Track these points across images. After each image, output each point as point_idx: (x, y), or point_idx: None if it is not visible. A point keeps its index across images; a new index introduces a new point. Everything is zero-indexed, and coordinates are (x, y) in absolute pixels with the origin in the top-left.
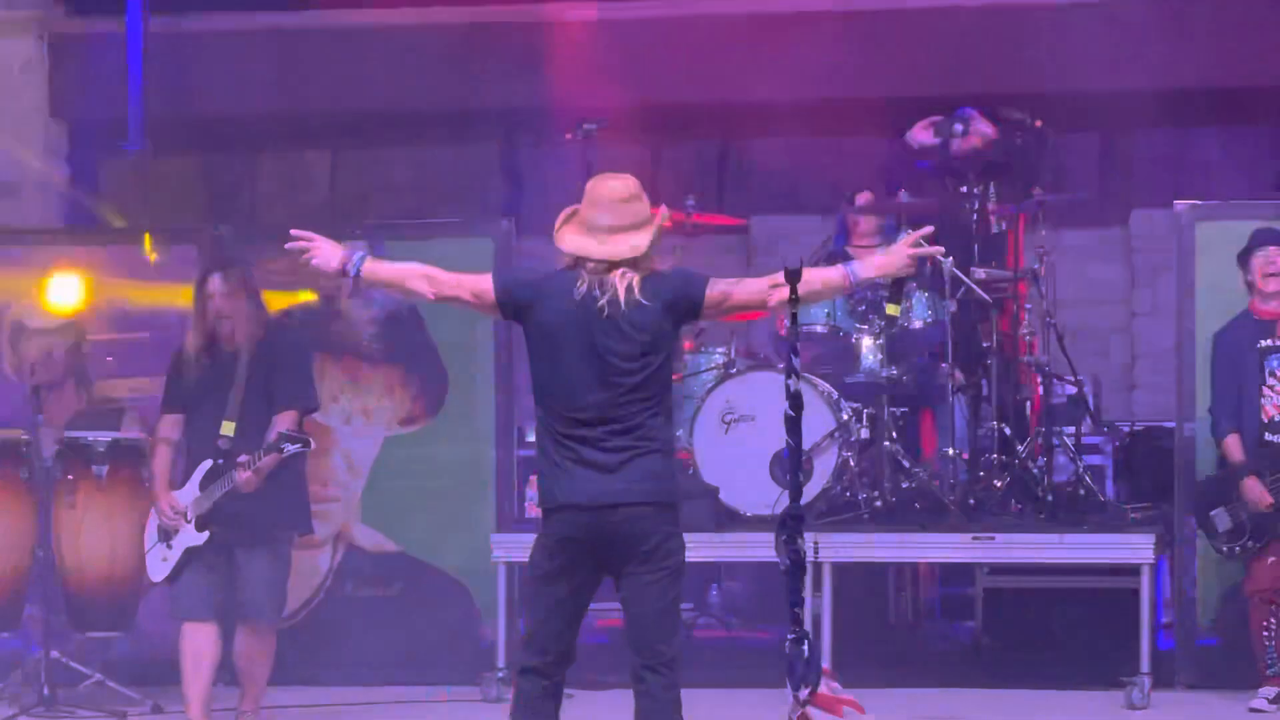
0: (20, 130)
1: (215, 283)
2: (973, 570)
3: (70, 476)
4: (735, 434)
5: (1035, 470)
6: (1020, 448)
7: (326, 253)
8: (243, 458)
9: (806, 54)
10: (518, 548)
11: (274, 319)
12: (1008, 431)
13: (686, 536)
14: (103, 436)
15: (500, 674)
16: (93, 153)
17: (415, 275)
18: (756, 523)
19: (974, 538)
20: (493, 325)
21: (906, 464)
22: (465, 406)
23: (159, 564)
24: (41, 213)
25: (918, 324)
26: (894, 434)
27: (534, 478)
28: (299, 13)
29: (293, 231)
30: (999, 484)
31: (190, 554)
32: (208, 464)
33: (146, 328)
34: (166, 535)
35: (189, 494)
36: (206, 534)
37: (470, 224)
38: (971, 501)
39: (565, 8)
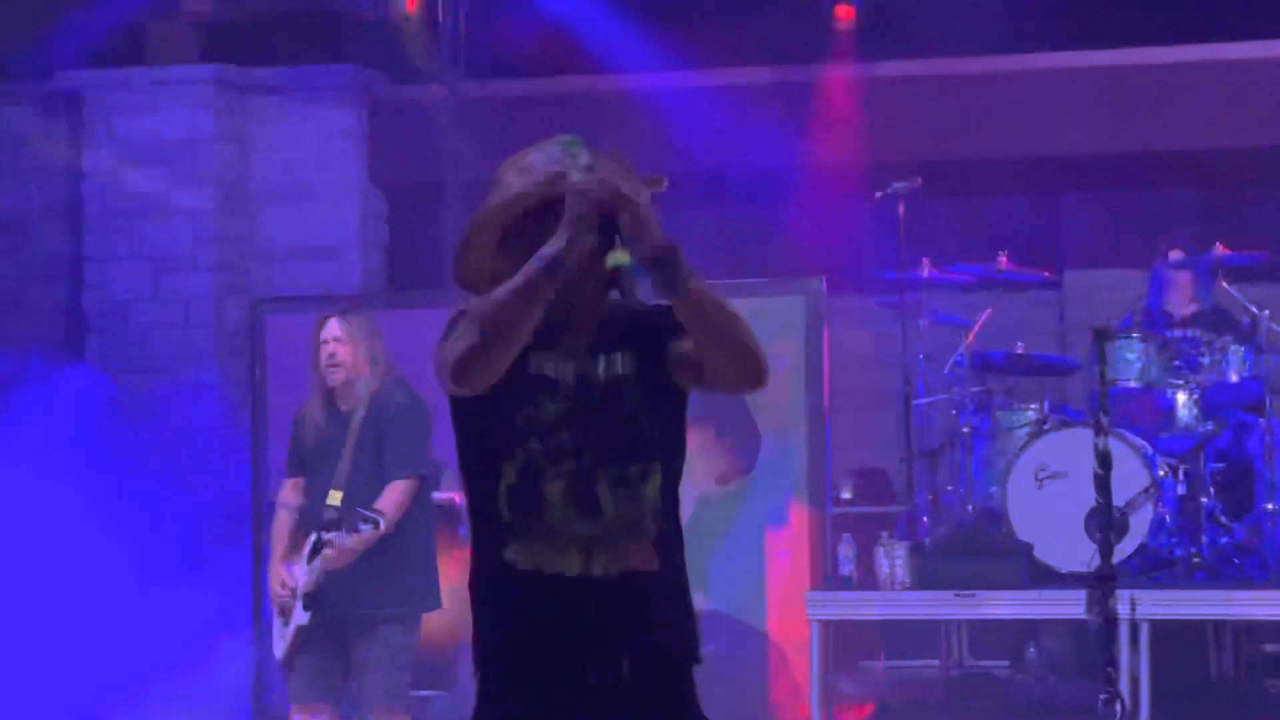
0: (341, 195)
1: (332, 327)
2: None
3: None
4: (1049, 491)
5: None
6: None
7: None
8: (329, 535)
9: (1117, 107)
10: (831, 606)
11: (391, 377)
12: None
13: (999, 593)
14: None
15: None
16: (411, 217)
17: None
18: (1072, 580)
19: None
20: (804, 381)
21: (1224, 520)
22: (779, 464)
23: (278, 642)
24: (362, 277)
25: (1234, 378)
26: (1211, 490)
27: (847, 536)
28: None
29: None
30: None
31: (301, 634)
32: (314, 537)
33: None
34: (284, 612)
35: (301, 569)
36: (308, 614)
37: (781, 283)
38: None
39: (877, 65)
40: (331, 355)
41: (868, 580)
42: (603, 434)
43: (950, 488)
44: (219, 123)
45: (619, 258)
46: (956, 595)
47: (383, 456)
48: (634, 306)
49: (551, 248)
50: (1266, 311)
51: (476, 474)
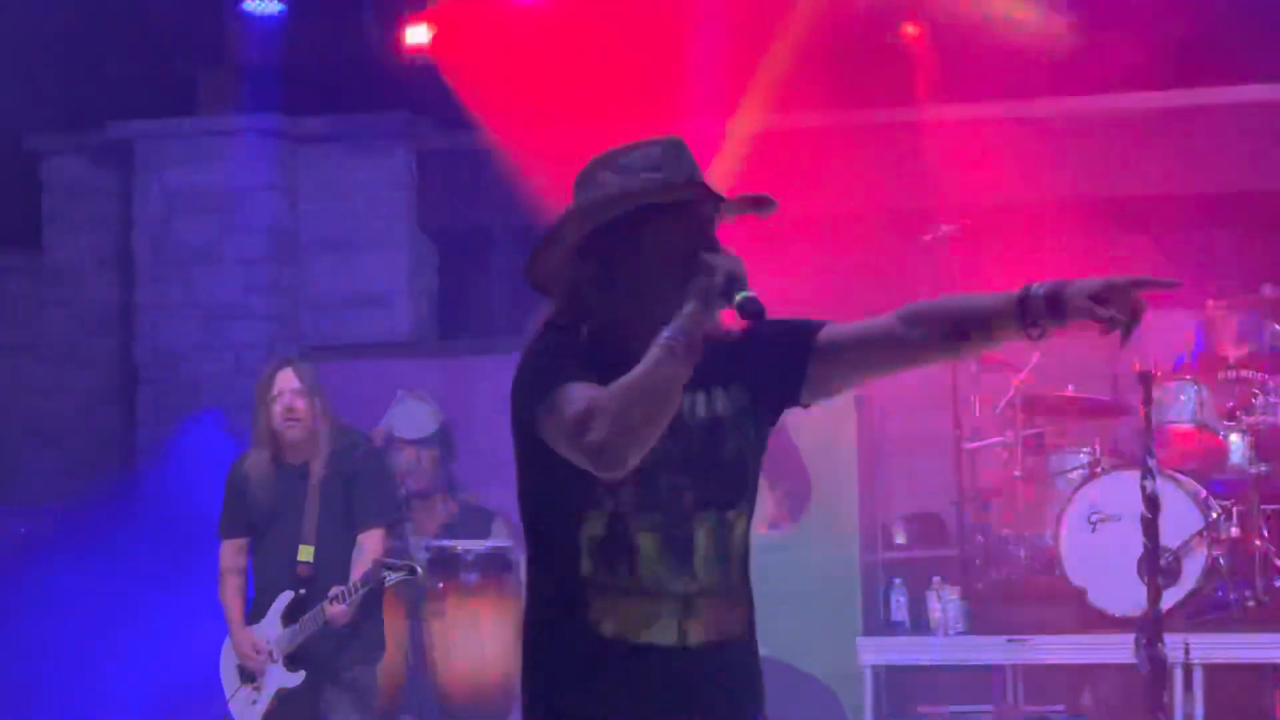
0: (390, 243)
1: (286, 378)
2: None
3: (440, 585)
4: (1102, 534)
5: None
6: None
7: None
8: (335, 590)
9: (1170, 149)
10: (884, 651)
11: (344, 426)
12: None
13: (1053, 637)
14: (472, 545)
15: None
16: (460, 264)
17: None
18: (1126, 624)
19: None
20: (855, 426)
21: (1279, 562)
22: (830, 509)
23: (248, 709)
24: (412, 324)
25: None
26: (1265, 532)
27: (899, 581)
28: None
29: None
30: None
31: (283, 696)
32: (288, 595)
33: None
34: (250, 676)
35: (270, 629)
36: (301, 674)
37: None
38: None
39: (926, 108)
40: (289, 409)
41: (920, 625)
42: (704, 477)
43: (1003, 531)
44: (269, 171)
45: (745, 295)
46: (1009, 640)
47: (352, 507)
48: (727, 337)
49: (681, 323)
50: None
51: (553, 523)
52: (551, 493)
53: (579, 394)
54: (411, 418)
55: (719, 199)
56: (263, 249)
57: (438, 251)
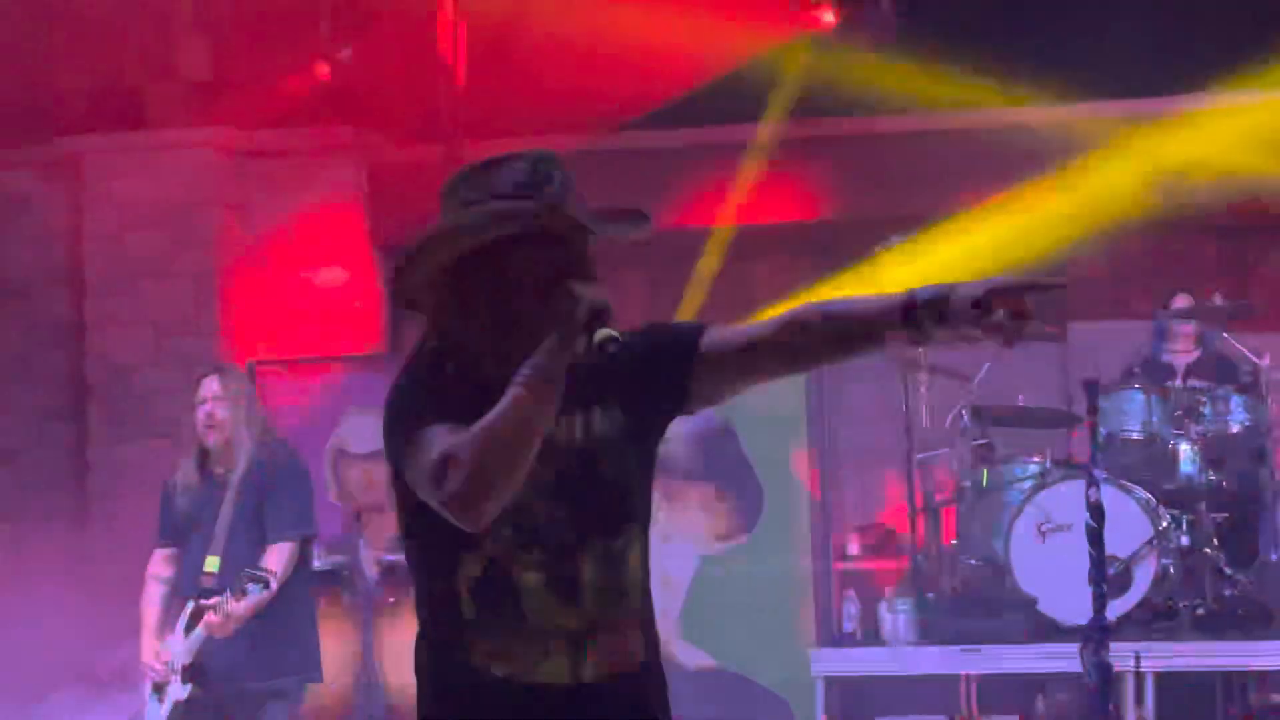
0: (341, 257)
1: (210, 385)
2: None
3: (392, 600)
4: (1052, 543)
5: None
6: None
7: None
8: (210, 600)
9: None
10: (837, 662)
11: (272, 436)
12: None
13: (1005, 647)
14: None
15: None
16: None
17: None
18: (1077, 633)
19: None
20: (807, 438)
21: (1228, 571)
22: (782, 520)
23: None
24: (363, 339)
25: (1235, 428)
26: (1215, 540)
27: (851, 592)
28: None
29: None
30: None
31: (178, 710)
32: (190, 606)
33: None
34: (159, 688)
35: (177, 641)
36: (189, 687)
37: None
38: None
39: (878, 120)
40: (209, 415)
41: (872, 636)
42: (585, 506)
43: (954, 542)
44: (219, 185)
45: (605, 334)
46: (961, 650)
47: (264, 519)
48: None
49: (541, 358)
50: (1267, 360)
51: (431, 563)
52: (426, 531)
53: (437, 440)
54: (363, 432)
55: (586, 227)
56: (212, 262)
57: (388, 266)
